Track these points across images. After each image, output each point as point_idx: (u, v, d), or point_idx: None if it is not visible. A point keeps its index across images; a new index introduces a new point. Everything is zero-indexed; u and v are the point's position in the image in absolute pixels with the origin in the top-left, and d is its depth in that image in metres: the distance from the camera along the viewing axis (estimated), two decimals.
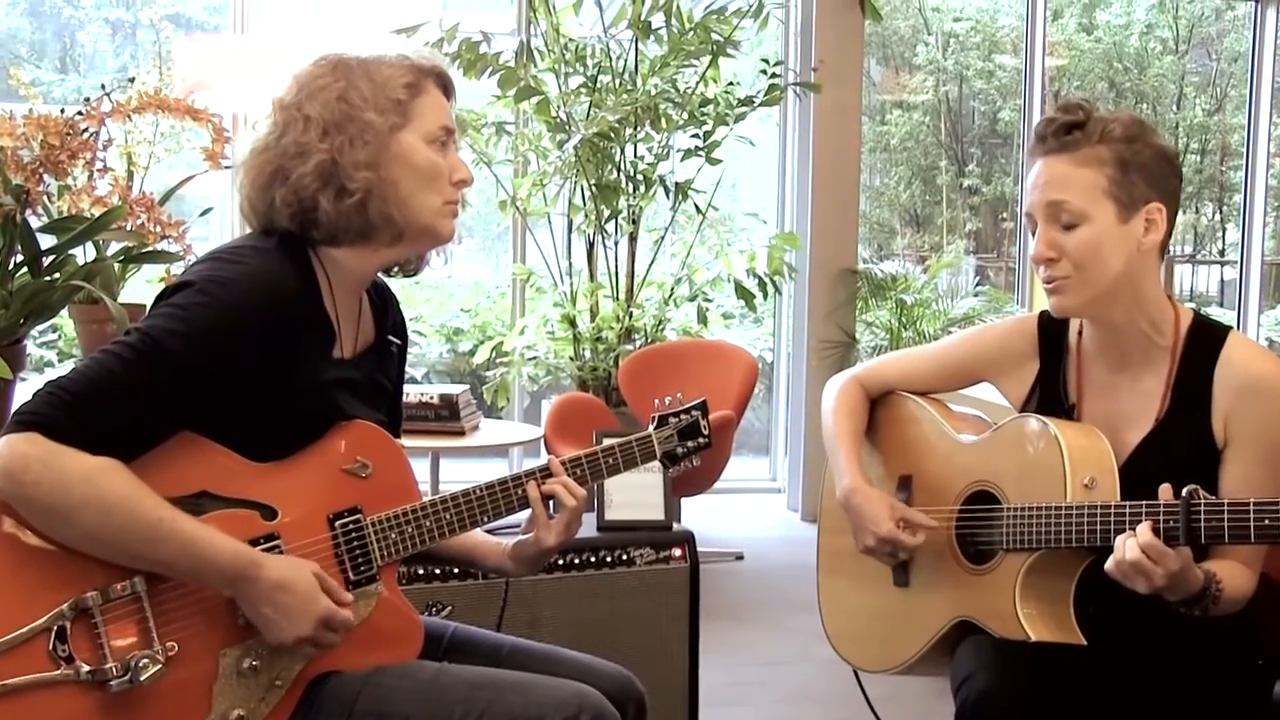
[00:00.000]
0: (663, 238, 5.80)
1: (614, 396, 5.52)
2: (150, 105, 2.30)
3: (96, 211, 2.43)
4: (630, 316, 5.68)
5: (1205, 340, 1.99)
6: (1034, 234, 1.99)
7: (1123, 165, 1.92)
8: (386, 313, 1.97)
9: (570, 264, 5.79)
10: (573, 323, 5.73)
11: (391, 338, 1.96)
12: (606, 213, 5.55)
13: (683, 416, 2.07)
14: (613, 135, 5.33)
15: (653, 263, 5.78)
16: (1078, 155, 1.93)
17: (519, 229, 6.06)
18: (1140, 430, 2.01)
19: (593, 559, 2.86)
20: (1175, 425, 1.98)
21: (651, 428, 2.06)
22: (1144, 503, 1.81)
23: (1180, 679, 1.96)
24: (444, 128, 1.82)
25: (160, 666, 1.58)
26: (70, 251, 2.47)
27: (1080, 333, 2.11)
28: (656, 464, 2.90)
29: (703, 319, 5.75)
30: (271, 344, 1.66)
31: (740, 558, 5.31)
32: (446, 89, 1.86)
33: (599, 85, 5.56)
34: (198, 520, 1.61)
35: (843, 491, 2.17)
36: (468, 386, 5.01)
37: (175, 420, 1.62)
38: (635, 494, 2.98)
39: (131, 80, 2.36)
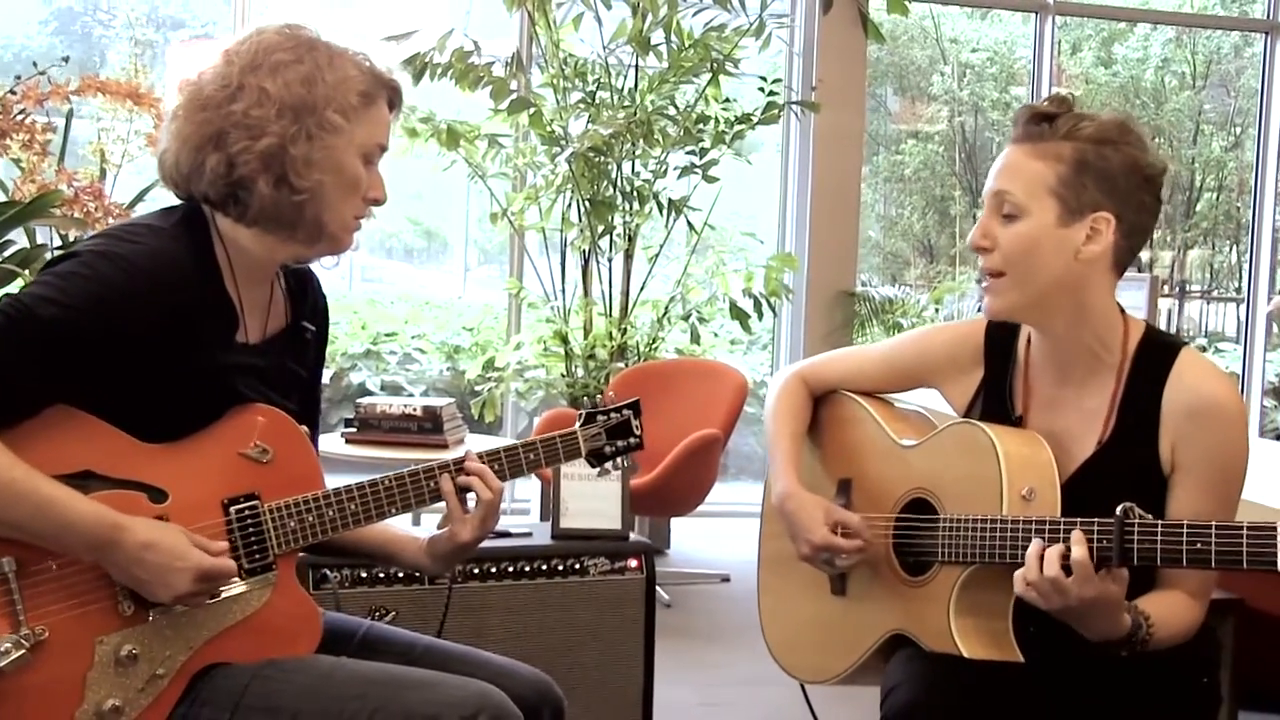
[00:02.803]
0: (657, 255, 5.74)
1: None
2: (90, 87, 2.25)
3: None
4: (623, 334, 5.62)
5: (1155, 358, 1.87)
6: None
7: (1079, 166, 1.81)
8: (305, 299, 1.91)
9: (564, 280, 5.74)
10: (565, 339, 5.67)
11: (307, 324, 1.90)
12: (601, 229, 5.49)
13: (612, 415, 2.01)
14: (606, 150, 5.27)
15: (646, 281, 5.72)
16: (1037, 147, 1.83)
17: (515, 244, 6.01)
18: (1084, 451, 1.90)
19: (544, 567, 2.79)
20: (1120, 448, 1.87)
21: (578, 424, 1.99)
22: (1079, 519, 1.71)
23: (1123, 699, 1.86)
24: (380, 145, 1.78)
25: (23, 653, 1.52)
26: (10, 237, 2.43)
27: (1029, 342, 2.01)
28: (615, 471, 2.88)
29: (695, 338, 5.68)
30: (154, 325, 1.61)
31: (727, 579, 5.22)
32: (393, 105, 1.81)
33: (597, 101, 5.52)
34: (62, 485, 1.55)
35: (777, 496, 2.09)
36: (453, 400, 4.96)
37: (45, 391, 1.57)
38: (591, 503, 2.91)
39: (66, 60, 2.31)
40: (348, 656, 1.82)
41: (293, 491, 1.74)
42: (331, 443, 4.63)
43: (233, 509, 1.69)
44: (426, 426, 4.73)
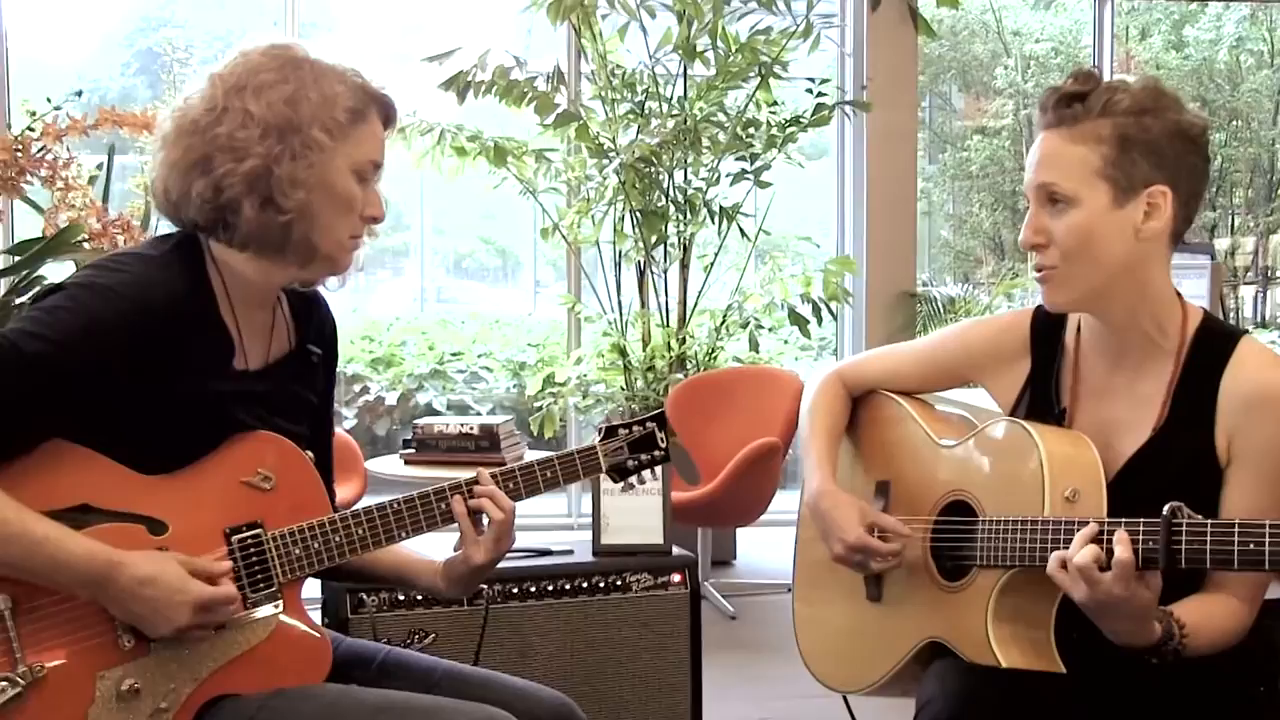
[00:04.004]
0: (712, 264, 5.67)
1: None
2: (107, 120, 2.25)
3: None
4: (681, 344, 5.56)
5: (1214, 345, 1.77)
6: None
7: (1123, 142, 1.71)
8: (310, 321, 1.88)
9: (620, 293, 5.69)
10: (623, 352, 5.62)
11: (313, 348, 1.87)
12: (654, 239, 5.44)
13: (635, 428, 1.96)
14: (656, 160, 5.23)
15: (703, 290, 5.65)
16: (1075, 130, 1.74)
17: (571, 259, 5.98)
18: (1135, 441, 1.80)
19: (585, 585, 2.74)
20: (1173, 437, 1.77)
21: (597, 439, 1.94)
22: (1124, 520, 1.62)
23: (1172, 712, 1.76)
24: (373, 162, 1.74)
25: (19, 691, 1.49)
26: (41, 272, 2.44)
27: (1079, 330, 1.91)
28: (642, 485, 2.83)
29: (754, 346, 5.60)
30: (143, 355, 1.58)
31: (791, 590, 5.11)
32: (388, 122, 1.77)
33: (646, 111, 5.48)
34: (55, 523, 1.52)
35: (811, 495, 2.02)
36: (510, 417, 4.93)
37: (36, 427, 1.55)
38: (633, 518, 2.86)
39: (79, 94, 2.31)
40: (365, 682, 1.78)
41: (298, 518, 1.70)
42: (391, 464, 4.63)
43: (235, 538, 1.65)
44: (484, 445, 4.70)
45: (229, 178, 1.62)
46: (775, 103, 5.46)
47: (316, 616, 2.64)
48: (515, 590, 2.68)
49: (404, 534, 1.77)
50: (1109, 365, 1.86)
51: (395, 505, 1.76)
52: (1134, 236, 1.74)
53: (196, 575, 1.57)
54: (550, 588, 2.71)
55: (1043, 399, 1.92)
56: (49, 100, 2.24)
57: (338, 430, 5.26)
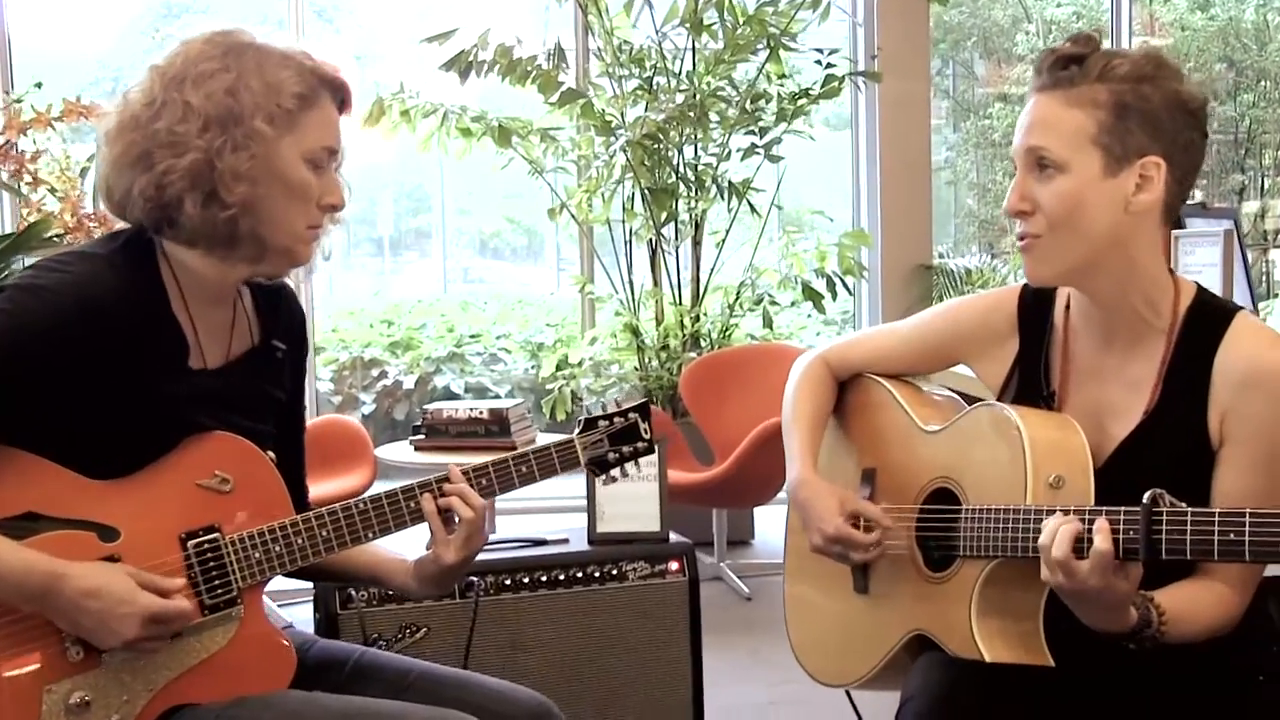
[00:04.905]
0: (724, 240, 5.60)
1: (680, 406, 5.35)
2: (73, 112, 2.20)
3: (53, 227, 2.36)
4: (695, 323, 5.49)
5: (1207, 322, 1.70)
6: None
7: (1120, 110, 1.64)
8: (275, 316, 1.83)
9: (631, 271, 5.63)
10: (636, 332, 5.56)
11: (278, 344, 1.82)
12: (664, 216, 5.37)
13: (616, 420, 1.90)
14: (664, 136, 5.15)
15: (714, 267, 5.58)
16: (1070, 94, 1.65)
17: (582, 238, 5.92)
18: (1127, 424, 1.73)
19: (580, 575, 2.69)
20: (1166, 419, 1.70)
21: (576, 432, 1.89)
22: (1104, 508, 1.55)
23: (1166, 706, 1.70)
24: (327, 148, 1.67)
25: None
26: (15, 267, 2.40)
27: (1068, 307, 1.84)
28: (653, 470, 2.77)
29: (768, 323, 5.53)
30: (86, 357, 1.53)
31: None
32: (344, 105, 1.71)
33: (655, 87, 5.41)
34: None
35: (790, 484, 1.96)
36: (521, 401, 4.89)
37: None
38: (629, 505, 2.81)
39: (39, 85, 2.26)
40: (337, 686, 1.75)
41: (258, 521, 1.66)
42: (401, 451, 4.61)
43: (191, 543, 1.61)
44: (494, 429, 4.66)
45: (170, 174, 1.57)
46: (784, 75, 5.37)
47: (308, 612, 2.64)
48: (508, 582, 2.63)
49: (370, 535, 1.72)
50: (1099, 345, 1.79)
51: (361, 505, 1.72)
52: (1123, 209, 1.66)
53: (148, 588, 1.53)
54: (544, 578, 2.66)
55: (1031, 381, 1.85)
56: (7, 93, 2.20)
57: (346, 418, 5.26)
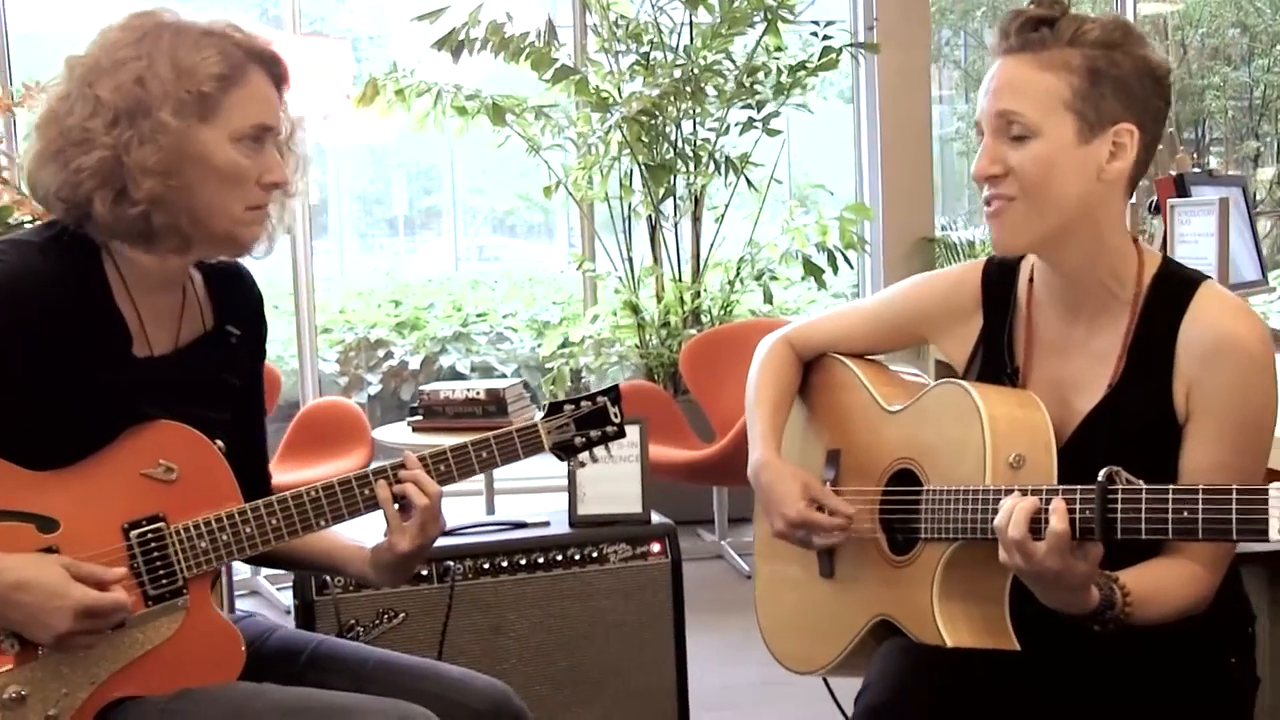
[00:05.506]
0: (723, 215, 5.55)
1: (680, 384, 5.31)
2: (32, 97, 2.17)
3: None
4: (695, 299, 5.45)
5: (1172, 293, 1.65)
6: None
7: (1093, 75, 1.59)
8: (228, 300, 1.80)
9: (631, 248, 5.59)
10: (636, 309, 5.53)
11: (231, 328, 1.79)
12: (662, 193, 5.32)
13: (584, 404, 1.87)
14: (660, 111, 5.10)
15: (714, 243, 5.53)
16: (1041, 57, 1.61)
17: (581, 216, 5.88)
18: (1091, 398, 1.69)
19: (560, 558, 2.67)
20: (1131, 392, 1.66)
21: (539, 416, 1.86)
22: (1062, 488, 1.51)
23: (1135, 689, 1.66)
24: (260, 125, 1.62)
25: None
26: None
27: (1031, 280, 1.79)
28: (634, 451, 2.74)
29: (768, 298, 5.48)
30: (18, 348, 1.51)
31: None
32: (279, 79, 1.66)
33: (651, 63, 5.35)
34: None
35: (752, 467, 1.93)
36: (519, 381, 4.86)
37: None
38: (611, 486, 2.78)
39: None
40: (292, 677, 1.72)
41: (204, 510, 1.63)
42: (399, 432, 4.59)
43: (134, 533, 1.59)
44: (491, 410, 4.63)
45: (80, 172, 1.53)
46: (780, 48, 5.30)
47: (288, 597, 2.62)
48: (487, 565, 2.61)
49: (322, 523, 1.70)
50: (1063, 318, 1.74)
51: (313, 493, 1.69)
52: (1096, 176, 1.62)
53: (84, 580, 1.50)
54: (523, 562, 2.64)
55: (995, 357, 1.81)
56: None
57: (343, 399, 5.23)
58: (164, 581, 1.60)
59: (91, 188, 1.54)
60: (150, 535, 1.60)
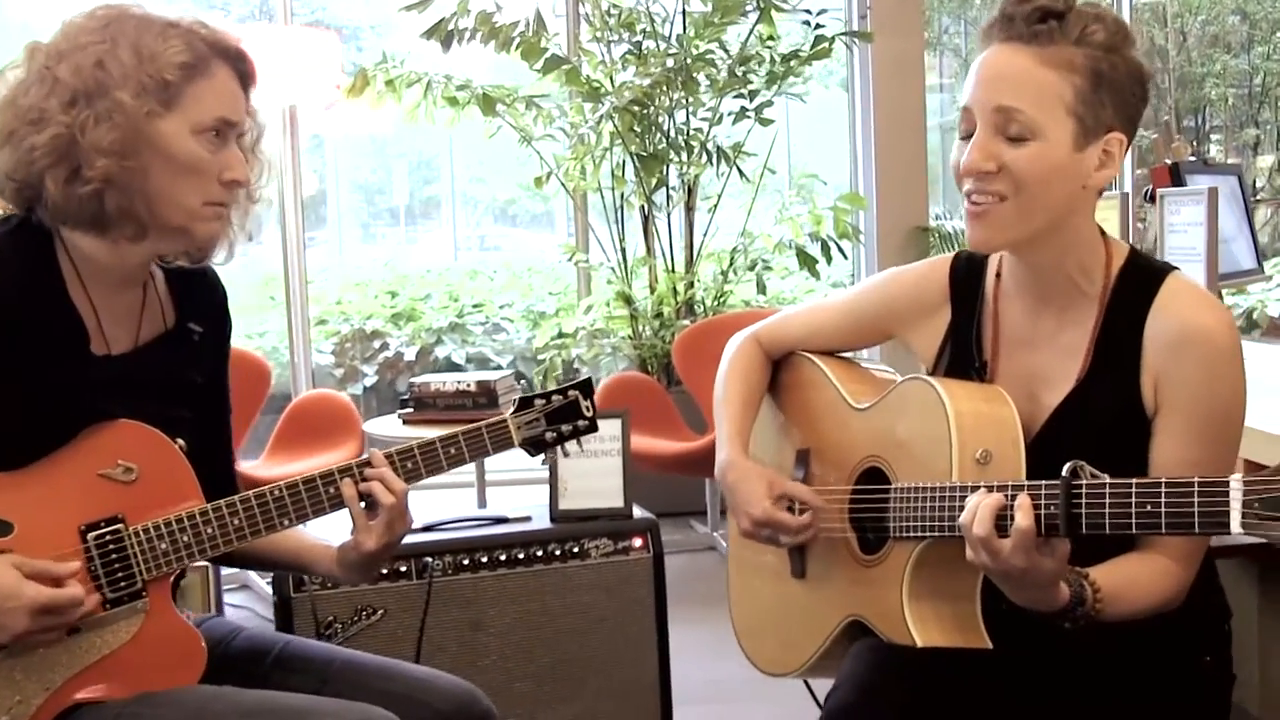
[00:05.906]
0: (716, 205, 5.52)
1: (673, 375, 5.29)
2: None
3: None
4: (688, 290, 5.43)
5: (1138, 285, 1.62)
6: (963, 138, 1.60)
7: (1096, 79, 1.53)
8: (191, 298, 1.78)
9: (623, 239, 5.56)
10: (629, 300, 5.51)
11: (193, 326, 1.77)
12: (654, 183, 5.30)
13: (554, 398, 1.84)
14: (651, 101, 5.07)
15: (707, 233, 5.51)
16: (1046, 51, 1.53)
17: (573, 207, 5.86)
18: (1059, 392, 1.66)
19: (540, 553, 2.65)
20: (1097, 386, 1.63)
21: (509, 411, 1.84)
22: (1027, 483, 1.49)
23: (1110, 688, 1.64)
24: (222, 119, 1.60)
25: None
26: None
27: (999, 274, 1.76)
28: (616, 444, 2.72)
29: (761, 288, 5.46)
30: None
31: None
32: (244, 76, 1.64)
33: (644, 52, 5.32)
34: None
35: (719, 467, 1.90)
36: (510, 372, 4.84)
37: None
38: (591, 481, 2.76)
39: None
40: (257, 678, 1.71)
41: (164, 510, 1.61)
42: (389, 425, 4.58)
43: (91, 535, 1.57)
44: (481, 401, 4.62)
45: (32, 151, 1.51)
46: (772, 37, 5.27)
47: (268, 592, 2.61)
48: (466, 561, 2.60)
49: (286, 522, 1.68)
50: (1031, 312, 1.71)
51: (276, 492, 1.67)
52: (1080, 185, 1.58)
53: (38, 578, 1.48)
54: (503, 557, 2.62)
55: (963, 352, 1.77)
56: None
57: (334, 392, 5.21)
58: (122, 584, 1.58)
59: (44, 166, 1.52)
60: (109, 537, 1.58)
